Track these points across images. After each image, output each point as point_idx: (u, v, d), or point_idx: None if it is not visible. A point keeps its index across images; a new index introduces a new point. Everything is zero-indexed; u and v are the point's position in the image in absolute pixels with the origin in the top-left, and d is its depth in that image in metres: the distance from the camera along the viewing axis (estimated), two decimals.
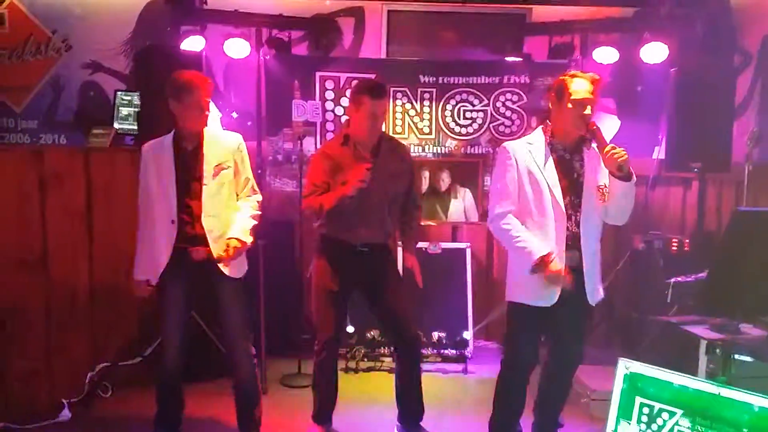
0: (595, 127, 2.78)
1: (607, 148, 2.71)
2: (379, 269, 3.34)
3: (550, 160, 2.86)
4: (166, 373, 3.18)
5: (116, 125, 4.43)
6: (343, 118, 4.73)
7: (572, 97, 2.79)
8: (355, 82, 3.38)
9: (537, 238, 2.82)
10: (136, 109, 4.36)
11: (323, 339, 3.37)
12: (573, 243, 2.85)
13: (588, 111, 2.79)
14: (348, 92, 4.69)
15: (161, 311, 3.16)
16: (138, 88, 4.32)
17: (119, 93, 4.55)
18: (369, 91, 3.20)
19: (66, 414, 3.61)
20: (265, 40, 4.71)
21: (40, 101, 4.76)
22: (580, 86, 2.79)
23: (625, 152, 2.70)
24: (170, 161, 3.06)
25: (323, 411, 3.48)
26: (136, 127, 4.28)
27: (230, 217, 3.09)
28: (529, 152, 2.89)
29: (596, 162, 2.86)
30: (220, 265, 3.03)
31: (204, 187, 3.04)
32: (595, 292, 2.94)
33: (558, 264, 2.79)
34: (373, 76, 4.70)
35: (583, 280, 2.86)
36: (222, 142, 3.13)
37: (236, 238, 3.03)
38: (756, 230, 2.38)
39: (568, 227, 2.84)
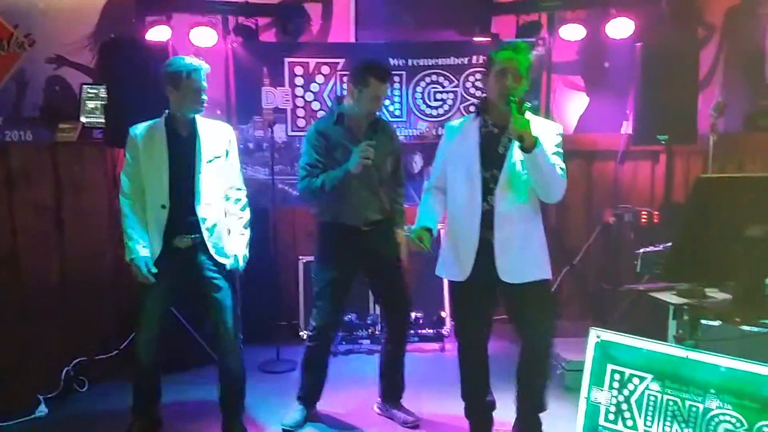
0: (512, 98, 2.68)
1: (513, 117, 2.66)
2: (383, 246, 3.38)
3: (476, 134, 2.87)
4: (142, 363, 3.18)
5: (83, 119, 4.39)
6: (314, 104, 4.73)
7: (494, 69, 2.79)
8: (358, 64, 3.29)
9: (429, 217, 2.93)
10: (103, 102, 4.32)
11: (320, 326, 3.38)
12: (487, 217, 2.84)
13: (509, 81, 2.74)
14: (317, 77, 4.69)
15: (142, 301, 3.12)
16: (104, 81, 4.28)
17: (85, 86, 4.50)
18: (376, 73, 3.18)
19: (43, 409, 3.58)
20: (231, 27, 4.68)
21: (4, 97, 4.68)
22: (500, 56, 2.78)
23: (526, 121, 2.65)
24: (163, 146, 3.05)
25: (311, 395, 3.50)
26: (103, 120, 4.24)
27: (222, 207, 3.14)
28: (461, 128, 2.94)
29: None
30: (219, 259, 3.09)
31: (199, 174, 3.05)
32: (518, 271, 2.84)
33: (412, 235, 2.85)
34: (342, 60, 4.71)
35: (494, 255, 2.84)
36: (215, 131, 3.16)
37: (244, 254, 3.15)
38: (718, 196, 2.41)
39: (485, 201, 2.84)
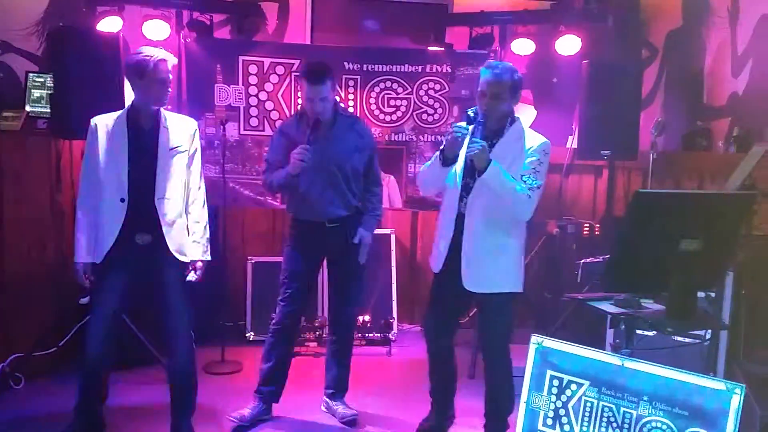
0: (473, 120, 2.92)
1: (469, 140, 2.88)
2: (346, 242, 3.43)
3: (466, 141, 2.97)
4: (88, 360, 3.08)
5: (28, 108, 4.26)
6: (268, 104, 4.72)
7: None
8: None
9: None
10: (49, 92, 4.20)
11: (285, 313, 3.40)
12: (458, 222, 3.00)
13: (484, 102, 2.95)
14: (272, 77, 4.68)
15: (95, 294, 3.06)
16: (51, 70, 4.16)
17: (31, 75, 4.37)
18: (306, 75, 3.29)
19: None
20: (185, 22, 4.61)
21: None
22: (481, 76, 2.99)
23: (479, 145, 2.83)
24: (123, 138, 3.00)
25: (274, 387, 3.48)
26: (49, 110, 4.13)
27: (182, 202, 3.09)
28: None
29: (505, 149, 2.97)
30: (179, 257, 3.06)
31: (159, 169, 3.01)
32: (479, 280, 2.98)
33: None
34: (297, 62, 4.70)
35: (461, 260, 2.99)
36: (179, 125, 3.11)
37: (201, 260, 3.13)
38: (654, 210, 2.51)
39: (459, 207, 3.00)
